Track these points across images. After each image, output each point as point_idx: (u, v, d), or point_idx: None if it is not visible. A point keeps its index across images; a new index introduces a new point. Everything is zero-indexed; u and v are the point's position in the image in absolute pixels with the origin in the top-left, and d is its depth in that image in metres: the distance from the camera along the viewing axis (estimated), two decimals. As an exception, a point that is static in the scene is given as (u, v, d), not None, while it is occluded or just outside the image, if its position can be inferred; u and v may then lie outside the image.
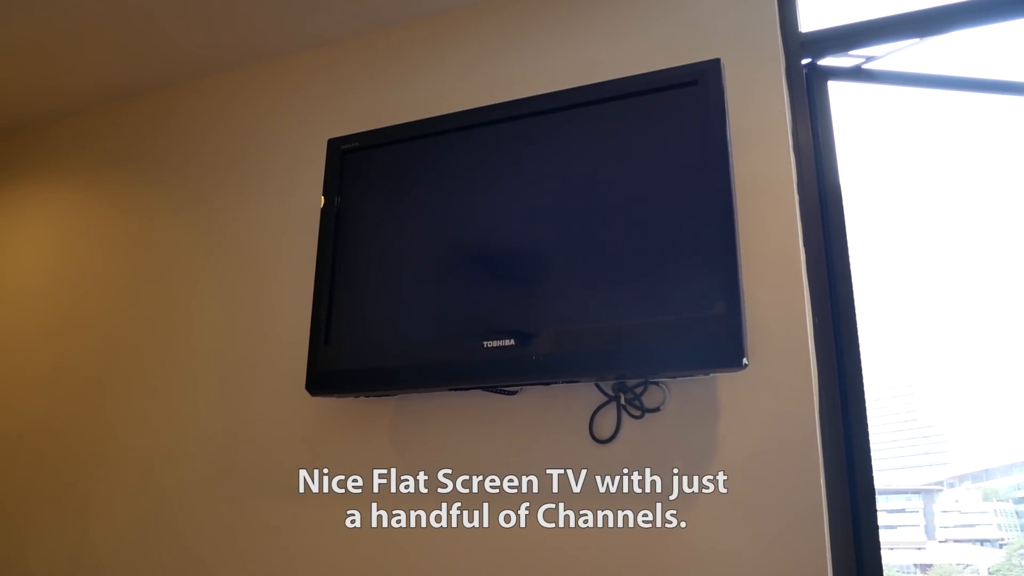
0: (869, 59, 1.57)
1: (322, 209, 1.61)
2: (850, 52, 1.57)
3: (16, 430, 2.02)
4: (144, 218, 2.06)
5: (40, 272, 2.16)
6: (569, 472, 1.39)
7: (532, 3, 1.74)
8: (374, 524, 1.52)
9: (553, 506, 1.39)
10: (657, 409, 1.36)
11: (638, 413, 1.37)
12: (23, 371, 2.07)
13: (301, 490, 1.61)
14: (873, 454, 1.38)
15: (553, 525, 1.38)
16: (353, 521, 1.54)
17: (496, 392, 1.48)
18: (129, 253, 2.04)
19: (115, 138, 2.20)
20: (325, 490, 1.59)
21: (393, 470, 1.54)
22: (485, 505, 1.44)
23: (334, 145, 1.64)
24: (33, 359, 2.07)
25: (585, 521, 1.36)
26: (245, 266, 1.86)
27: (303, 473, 1.62)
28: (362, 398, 1.59)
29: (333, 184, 1.61)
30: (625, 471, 1.35)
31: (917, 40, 1.54)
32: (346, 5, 1.81)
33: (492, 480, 1.45)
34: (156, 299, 1.95)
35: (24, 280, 2.18)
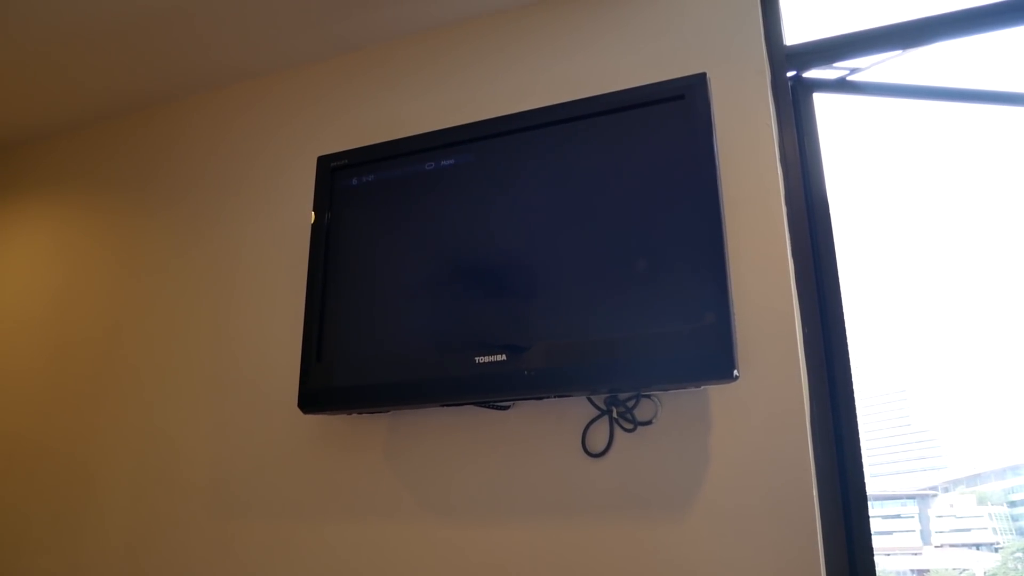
0: (853, 71, 1.58)
1: (312, 226, 1.61)
2: (835, 64, 1.58)
3: (7, 449, 2.01)
4: (136, 237, 2.06)
5: (31, 291, 2.15)
6: (561, 486, 1.40)
7: (521, 21, 1.75)
8: (368, 540, 1.52)
9: (545, 520, 1.39)
10: (649, 422, 1.37)
11: (630, 426, 1.37)
12: (15, 390, 2.06)
13: (295, 507, 1.61)
14: (867, 460, 1.39)
15: (545, 539, 1.38)
16: (347, 537, 1.54)
17: (489, 407, 1.48)
18: (120, 270, 2.04)
19: (108, 157, 2.20)
20: (319, 507, 1.59)
21: (386, 486, 1.54)
22: (479, 520, 1.44)
23: (324, 162, 1.65)
24: (25, 378, 2.06)
25: (577, 534, 1.36)
26: (238, 283, 1.86)
27: (297, 490, 1.62)
28: (355, 415, 1.59)
29: (323, 201, 1.62)
30: (618, 483, 1.36)
31: (900, 52, 1.56)
32: (333, 24, 1.82)
33: (485, 495, 1.45)
34: (148, 316, 1.95)
35: (15, 299, 2.17)
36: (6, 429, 2.03)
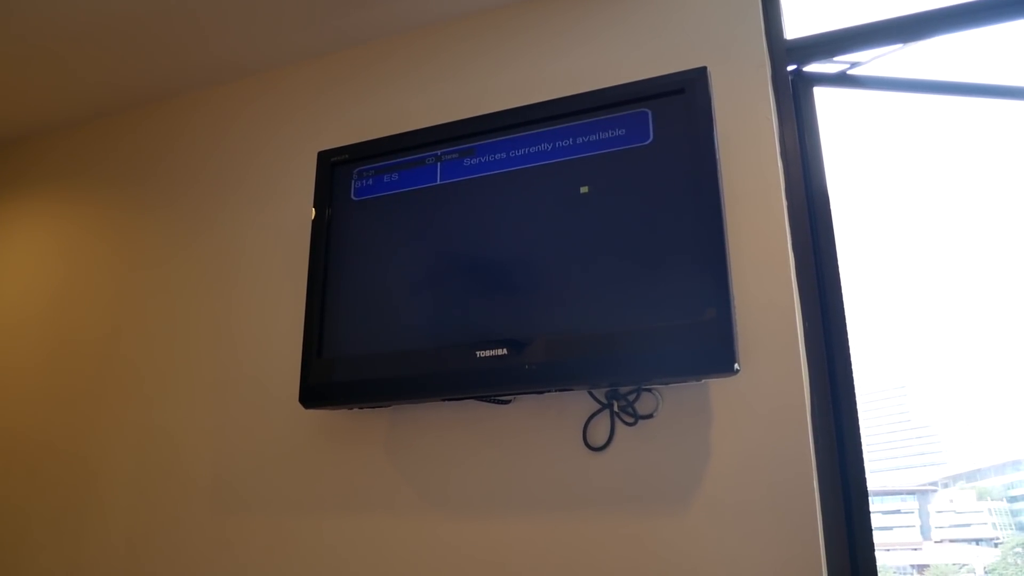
0: (854, 65, 1.58)
1: (313, 221, 1.61)
2: (835, 58, 1.58)
3: (8, 447, 2.01)
4: (136, 233, 2.06)
5: (32, 288, 2.15)
6: (563, 480, 1.40)
7: (522, 17, 1.75)
8: (369, 535, 1.52)
9: (546, 514, 1.39)
10: (650, 416, 1.37)
11: (631, 420, 1.38)
12: (15, 387, 2.06)
13: (296, 503, 1.61)
14: (867, 455, 1.39)
15: (546, 533, 1.38)
16: (348, 532, 1.54)
17: (490, 402, 1.48)
18: (120, 267, 2.04)
19: (108, 153, 2.20)
20: (320, 502, 1.59)
21: (387, 481, 1.54)
22: (481, 514, 1.44)
23: (324, 157, 1.65)
24: (25, 375, 2.06)
25: (578, 528, 1.36)
26: (238, 279, 1.86)
27: (298, 485, 1.62)
28: (356, 410, 1.59)
29: (324, 196, 1.62)
30: (619, 477, 1.36)
31: (901, 45, 1.56)
32: (334, 20, 1.82)
33: (486, 489, 1.45)
34: (149, 313, 1.95)
35: (15, 296, 2.17)
36: (6, 426, 2.03)
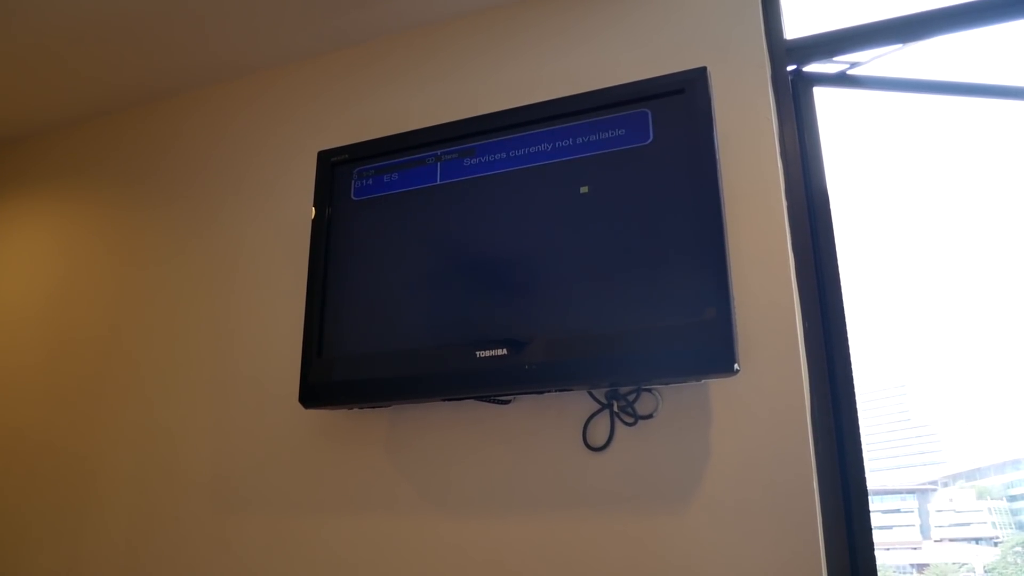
0: (854, 65, 1.58)
1: (312, 221, 1.61)
2: (835, 58, 1.58)
3: (8, 446, 2.01)
4: (136, 232, 2.06)
5: (32, 286, 2.16)
6: (562, 480, 1.40)
7: (521, 16, 1.75)
8: (369, 535, 1.52)
9: (546, 514, 1.39)
10: (650, 416, 1.37)
11: (631, 420, 1.38)
12: (15, 386, 2.06)
13: (296, 502, 1.61)
14: (867, 455, 1.39)
15: (546, 532, 1.38)
16: (348, 532, 1.54)
17: (489, 401, 1.48)
18: (120, 266, 2.04)
19: (108, 152, 2.20)
20: (320, 502, 1.59)
21: (387, 481, 1.54)
22: (481, 514, 1.44)
23: (324, 157, 1.65)
24: (25, 374, 2.06)
25: (578, 528, 1.36)
26: (238, 278, 1.86)
27: (298, 485, 1.63)
28: (355, 409, 1.59)
29: (324, 196, 1.62)
30: (619, 477, 1.36)
31: (900, 46, 1.56)
32: (333, 19, 1.82)
33: (486, 489, 1.45)
34: (149, 312, 1.95)
35: (15, 295, 2.17)
36: (6, 425, 2.03)
